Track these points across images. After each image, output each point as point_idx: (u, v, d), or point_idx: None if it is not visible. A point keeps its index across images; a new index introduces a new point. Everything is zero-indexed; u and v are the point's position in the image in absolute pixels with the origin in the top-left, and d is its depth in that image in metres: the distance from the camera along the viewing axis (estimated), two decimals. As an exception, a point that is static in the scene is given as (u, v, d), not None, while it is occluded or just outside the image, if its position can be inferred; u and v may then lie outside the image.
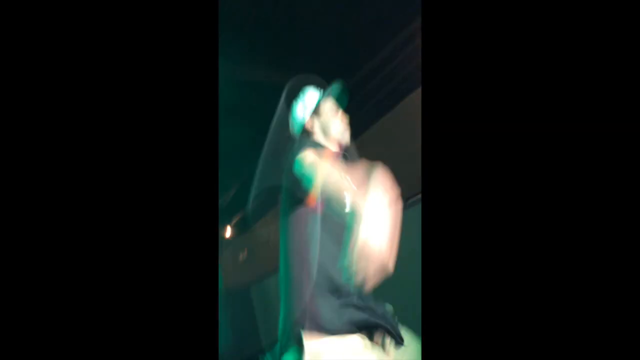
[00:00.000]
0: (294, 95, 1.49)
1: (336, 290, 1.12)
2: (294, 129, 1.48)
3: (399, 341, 1.17)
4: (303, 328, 1.08)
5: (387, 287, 1.22)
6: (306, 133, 1.46)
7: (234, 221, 5.41)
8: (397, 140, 3.23)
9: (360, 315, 1.11)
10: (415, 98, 3.10)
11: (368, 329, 1.13)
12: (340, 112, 1.47)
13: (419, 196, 3.18)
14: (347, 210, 1.00)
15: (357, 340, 1.09)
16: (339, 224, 1.14)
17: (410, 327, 1.22)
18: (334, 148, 1.42)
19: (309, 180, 1.13)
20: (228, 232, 5.50)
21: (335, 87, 1.48)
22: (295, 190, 1.21)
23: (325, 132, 1.44)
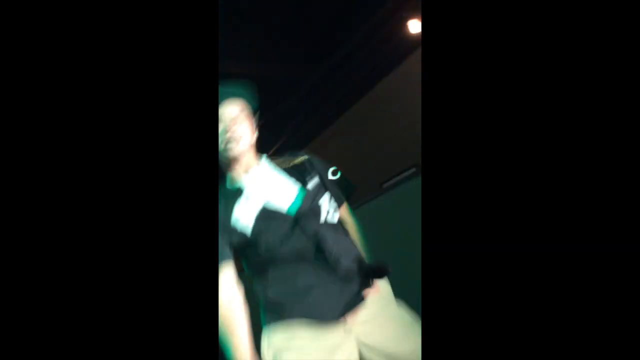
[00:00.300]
0: None
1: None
2: None
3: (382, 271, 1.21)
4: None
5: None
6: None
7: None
8: (395, 106, 3.19)
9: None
10: (415, 59, 3.01)
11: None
12: (233, 117, 1.28)
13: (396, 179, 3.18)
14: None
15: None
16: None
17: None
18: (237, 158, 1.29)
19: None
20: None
21: (223, 91, 1.29)
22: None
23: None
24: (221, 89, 1.26)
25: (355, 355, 1.13)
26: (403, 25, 2.91)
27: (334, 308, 1.13)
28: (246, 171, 1.28)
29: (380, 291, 1.20)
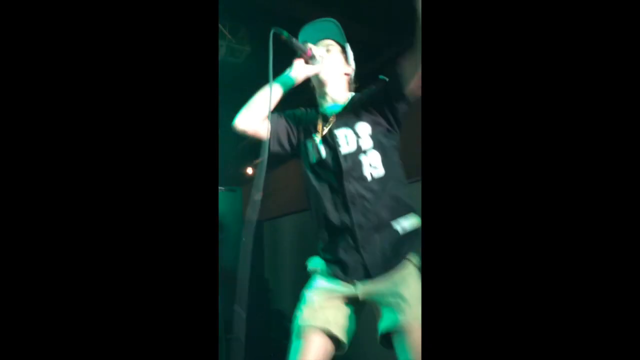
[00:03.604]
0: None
1: None
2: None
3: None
4: None
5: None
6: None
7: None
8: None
9: None
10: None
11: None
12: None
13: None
14: None
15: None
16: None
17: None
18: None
19: None
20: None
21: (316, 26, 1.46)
22: None
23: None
24: (314, 25, 1.42)
25: (341, 320, 1.31)
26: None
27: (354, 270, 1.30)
28: (333, 100, 1.43)
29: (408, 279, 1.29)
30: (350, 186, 1.31)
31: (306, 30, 1.45)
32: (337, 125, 1.38)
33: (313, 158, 1.37)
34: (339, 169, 1.33)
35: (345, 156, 1.34)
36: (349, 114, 1.39)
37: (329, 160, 1.35)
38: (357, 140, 1.34)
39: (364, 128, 1.35)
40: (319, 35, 1.44)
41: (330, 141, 1.36)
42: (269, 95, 1.28)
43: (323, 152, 1.36)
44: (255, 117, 1.34)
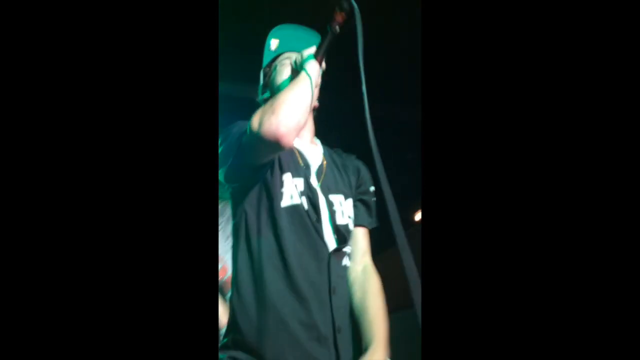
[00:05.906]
0: None
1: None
2: None
3: None
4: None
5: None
6: None
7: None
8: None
9: None
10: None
11: None
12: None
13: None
14: None
15: None
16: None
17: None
18: None
19: None
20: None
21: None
22: None
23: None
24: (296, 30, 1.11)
25: None
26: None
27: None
28: (301, 141, 1.08)
29: None
30: (335, 265, 0.98)
31: (285, 32, 1.12)
32: (326, 176, 1.05)
33: (300, 199, 0.98)
34: (323, 238, 0.98)
35: (338, 227, 1.01)
36: (331, 171, 1.07)
37: (312, 216, 0.98)
38: (342, 212, 1.04)
39: (346, 203, 1.05)
40: (301, 45, 1.05)
41: (316, 195, 1.01)
42: (310, 93, 0.92)
43: (306, 203, 0.99)
44: (301, 121, 0.90)
